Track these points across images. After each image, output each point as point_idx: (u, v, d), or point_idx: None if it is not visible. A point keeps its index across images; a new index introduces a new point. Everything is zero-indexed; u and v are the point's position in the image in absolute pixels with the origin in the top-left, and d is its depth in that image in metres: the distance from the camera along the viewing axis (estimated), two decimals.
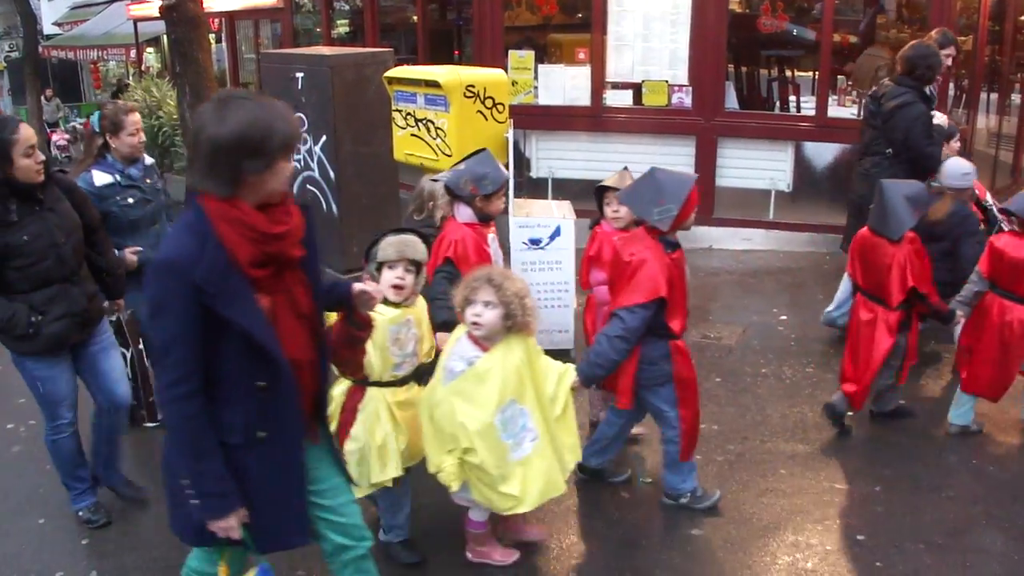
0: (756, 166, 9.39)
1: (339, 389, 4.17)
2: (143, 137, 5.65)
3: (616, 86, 9.92)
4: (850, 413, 5.65)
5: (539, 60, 10.34)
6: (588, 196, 5.67)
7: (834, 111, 9.49)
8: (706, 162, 9.37)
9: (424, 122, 7.06)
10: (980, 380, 5.49)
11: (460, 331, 4.09)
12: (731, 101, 10.09)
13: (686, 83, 9.56)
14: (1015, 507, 4.83)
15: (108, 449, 5.03)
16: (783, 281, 8.54)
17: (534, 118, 9.87)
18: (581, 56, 10.07)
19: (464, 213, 4.95)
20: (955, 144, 6.82)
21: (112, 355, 4.94)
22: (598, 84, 9.82)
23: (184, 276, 2.78)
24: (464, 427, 3.85)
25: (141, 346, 5.69)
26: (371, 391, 4.13)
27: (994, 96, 10.65)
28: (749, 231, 9.46)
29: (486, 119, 6.81)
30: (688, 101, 9.56)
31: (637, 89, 9.82)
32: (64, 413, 4.75)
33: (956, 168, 6.23)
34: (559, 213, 6.66)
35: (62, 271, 4.55)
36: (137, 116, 5.57)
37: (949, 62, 7.22)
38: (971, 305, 5.52)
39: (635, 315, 4.37)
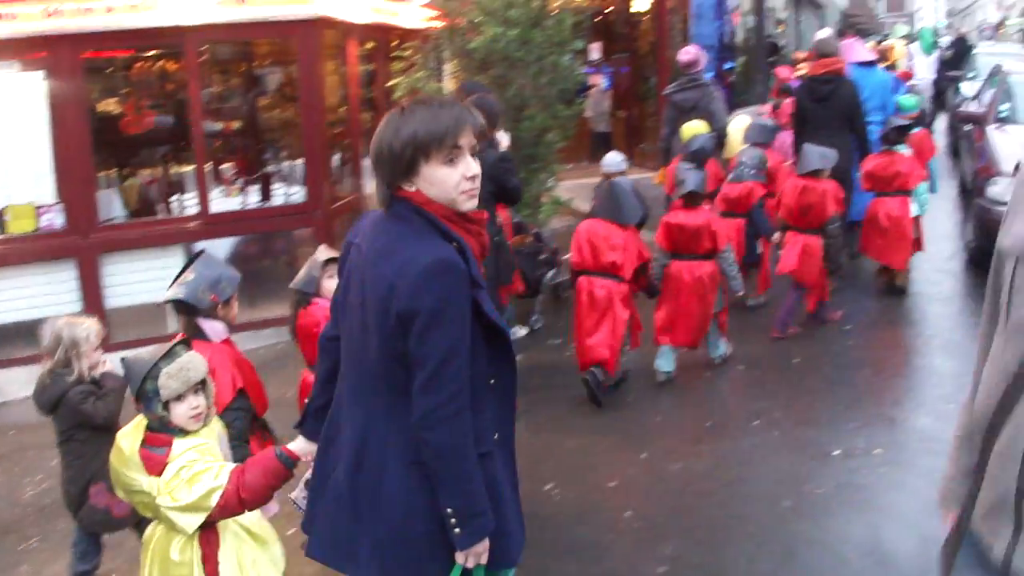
0: (148, 277, 8.89)
1: (175, 548, 3.53)
2: None
3: None
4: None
5: None
6: None
7: (222, 204, 9.30)
8: (91, 283, 8.72)
9: None
10: (684, 333, 7.03)
11: None
12: (117, 210, 9.58)
13: (55, 201, 8.90)
14: None
15: None
16: None
17: None
18: None
19: (216, 329, 4.35)
20: None
21: None
22: None
23: (465, 273, 2.79)
24: None
25: None
26: (223, 527, 3.62)
27: None
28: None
29: None
30: (60, 221, 8.87)
31: None
32: None
33: (614, 157, 8.51)
34: None
35: None
36: None
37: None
38: (661, 278, 7.02)
39: None
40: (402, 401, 2.86)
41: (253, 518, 3.78)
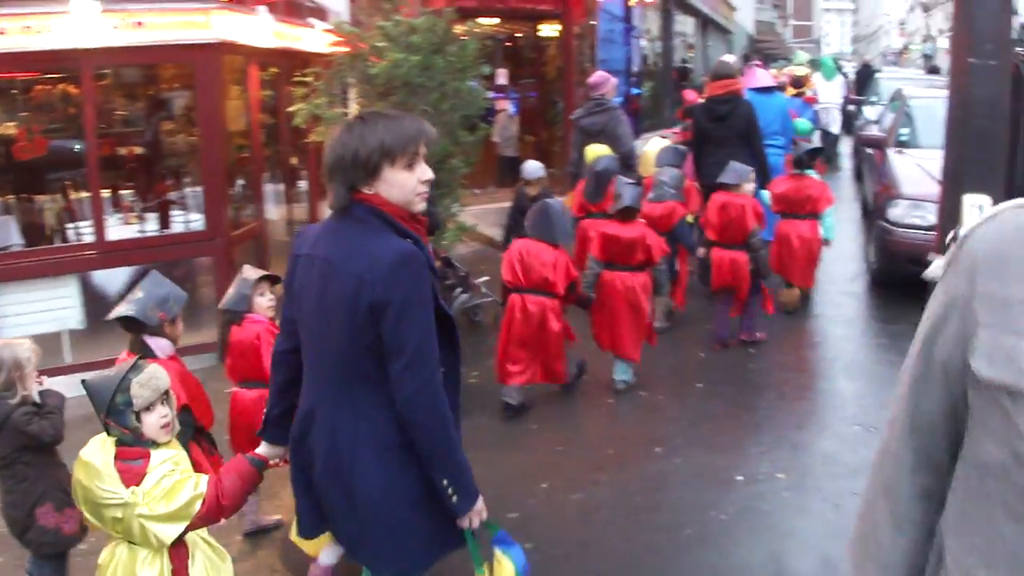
0: (42, 307, 8.62)
1: (142, 565, 3.53)
2: None
3: None
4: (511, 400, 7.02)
5: None
6: None
7: (119, 232, 9.06)
8: None
9: None
10: (620, 341, 7.30)
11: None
12: (15, 237, 9.29)
13: None
14: None
15: None
16: None
17: None
18: None
19: (163, 346, 4.53)
20: None
21: None
22: None
23: (425, 262, 3.09)
24: None
25: None
26: (192, 542, 3.69)
27: (283, 187, 10.89)
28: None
29: None
30: None
31: None
32: None
33: (533, 164, 9.48)
34: None
35: None
36: None
37: None
38: (594, 286, 7.30)
39: None
40: (369, 392, 3.15)
41: (204, 533, 3.85)
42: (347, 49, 9.40)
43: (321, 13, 11.25)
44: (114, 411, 3.51)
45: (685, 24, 26.65)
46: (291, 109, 9.53)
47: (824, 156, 14.55)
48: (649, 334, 7.50)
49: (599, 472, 6.12)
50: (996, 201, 4.14)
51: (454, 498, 3.16)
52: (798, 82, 15.92)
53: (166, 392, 3.65)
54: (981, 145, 4.15)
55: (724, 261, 8.13)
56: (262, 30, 8.84)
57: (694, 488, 5.75)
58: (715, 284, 8.27)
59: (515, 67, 16.74)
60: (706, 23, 30.51)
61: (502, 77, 15.67)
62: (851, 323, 9.21)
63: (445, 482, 3.14)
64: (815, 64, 22.16)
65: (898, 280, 9.84)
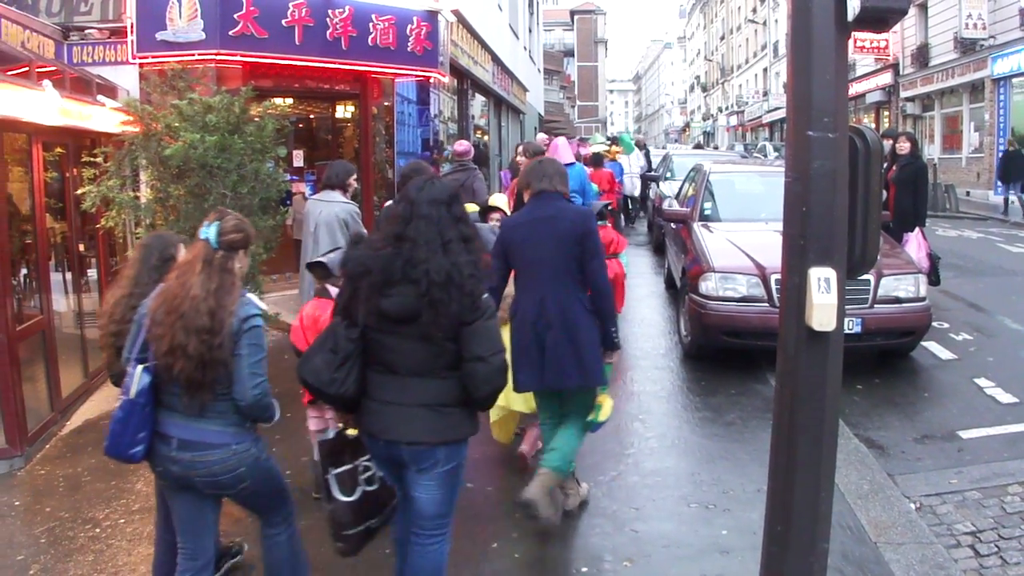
0: None
1: None
2: None
3: None
4: None
5: None
6: None
7: None
8: None
9: None
10: None
11: None
12: None
13: None
14: None
15: None
16: None
17: None
18: None
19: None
20: None
21: None
22: None
23: None
24: None
25: None
26: None
27: (70, 276, 10.18)
28: None
29: None
30: None
31: None
32: None
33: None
34: None
35: None
36: None
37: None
38: None
39: None
40: (577, 283, 5.80)
41: None
42: (139, 129, 9.02)
43: (111, 91, 10.73)
44: None
45: (476, 105, 27.01)
46: (80, 192, 9.03)
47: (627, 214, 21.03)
48: None
49: None
50: (840, 275, 4.16)
51: (616, 340, 5.88)
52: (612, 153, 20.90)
53: None
54: (822, 219, 4.16)
55: None
56: (47, 107, 8.29)
57: None
58: None
59: (310, 149, 16.48)
60: (499, 103, 31.05)
61: (298, 159, 15.41)
62: (671, 398, 9.20)
63: (613, 330, 5.86)
64: (615, 140, 24.73)
65: (713, 352, 10.00)
